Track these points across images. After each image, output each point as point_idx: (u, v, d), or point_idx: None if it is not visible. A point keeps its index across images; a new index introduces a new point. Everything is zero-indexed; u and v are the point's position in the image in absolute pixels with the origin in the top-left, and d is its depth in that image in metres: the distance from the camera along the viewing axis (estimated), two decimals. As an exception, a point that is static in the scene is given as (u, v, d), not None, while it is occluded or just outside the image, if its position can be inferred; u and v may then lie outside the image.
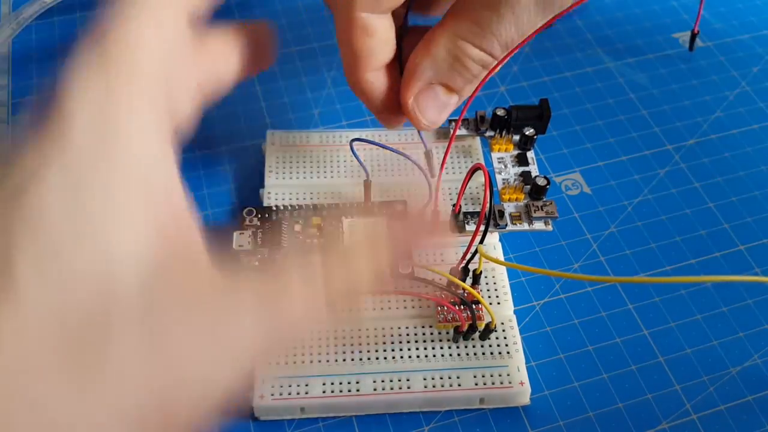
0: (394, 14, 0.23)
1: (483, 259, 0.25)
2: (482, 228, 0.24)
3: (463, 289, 0.25)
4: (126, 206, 0.15)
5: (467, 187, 0.27)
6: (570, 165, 0.33)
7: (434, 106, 0.24)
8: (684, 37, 0.39)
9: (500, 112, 0.29)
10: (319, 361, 0.25)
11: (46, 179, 0.15)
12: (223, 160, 0.33)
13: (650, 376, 0.26)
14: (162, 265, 0.15)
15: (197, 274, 0.17)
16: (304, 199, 0.30)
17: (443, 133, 0.32)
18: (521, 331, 0.27)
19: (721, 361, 0.27)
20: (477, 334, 0.26)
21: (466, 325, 0.25)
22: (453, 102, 0.25)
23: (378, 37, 0.23)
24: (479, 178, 0.30)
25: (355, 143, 0.27)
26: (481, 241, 0.25)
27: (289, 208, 0.28)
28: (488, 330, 0.25)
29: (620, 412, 0.25)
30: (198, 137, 0.28)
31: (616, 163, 0.33)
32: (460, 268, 0.26)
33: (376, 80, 0.24)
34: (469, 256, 0.25)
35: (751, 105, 0.36)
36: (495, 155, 0.30)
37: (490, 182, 0.25)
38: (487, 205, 0.24)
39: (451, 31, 0.23)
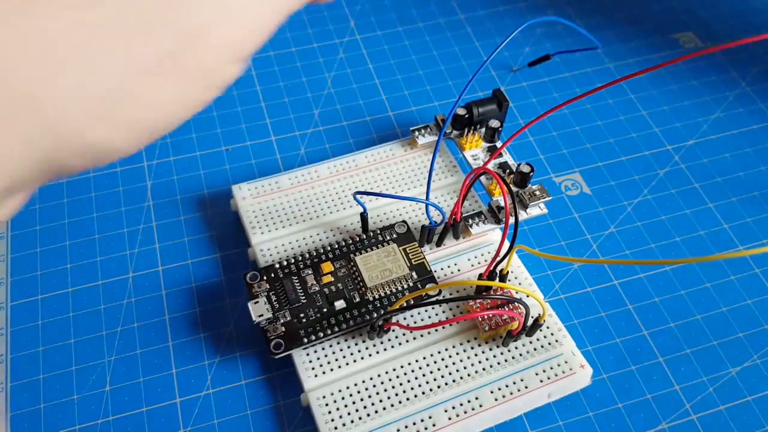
0: None
1: (510, 259, 0.25)
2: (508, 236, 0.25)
3: (502, 289, 0.25)
4: None
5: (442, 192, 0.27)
6: (570, 165, 0.33)
7: None
8: (684, 37, 0.39)
9: (461, 112, 0.30)
10: (384, 408, 0.24)
11: None
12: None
13: (650, 376, 0.26)
14: None
15: None
16: (299, 247, 0.28)
17: (408, 142, 0.31)
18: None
19: (721, 361, 0.27)
20: (525, 331, 0.25)
21: (522, 324, 0.24)
22: None
23: None
24: (449, 178, 0.30)
25: (358, 195, 0.26)
26: (513, 241, 0.24)
27: (293, 261, 0.26)
28: (536, 324, 0.25)
29: (620, 412, 0.25)
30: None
31: (616, 163, 0.33)
32: (489, 272, 0.25)
33: None
34: (498, 258, 0.25)
35: (751, 105, 0.36)
36: (468, 153, 0.30)
37: (504, 182, 0.25)
38: (510, 206, 0.24)
39: None
